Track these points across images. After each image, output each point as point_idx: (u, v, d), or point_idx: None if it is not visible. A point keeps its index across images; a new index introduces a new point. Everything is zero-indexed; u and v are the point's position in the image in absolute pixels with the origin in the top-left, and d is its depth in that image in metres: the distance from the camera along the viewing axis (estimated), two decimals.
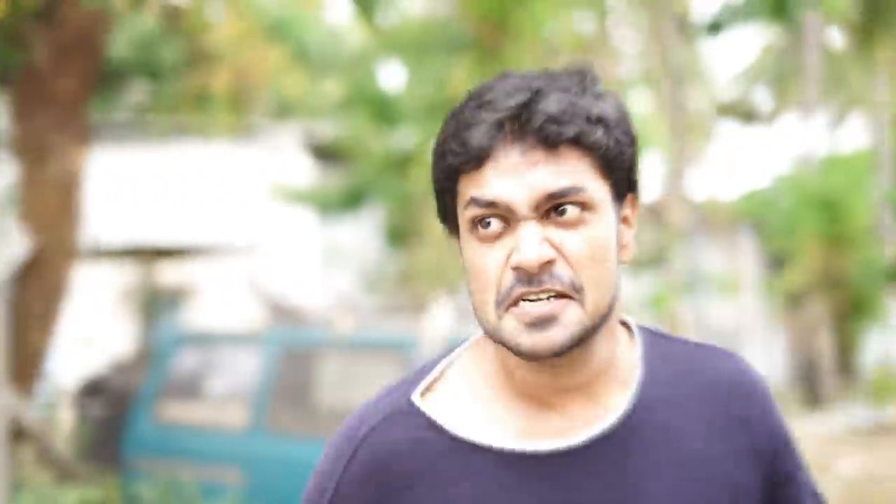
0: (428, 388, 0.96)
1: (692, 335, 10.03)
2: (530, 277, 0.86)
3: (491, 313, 0.89)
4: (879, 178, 14.39)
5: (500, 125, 0.88)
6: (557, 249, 0.87)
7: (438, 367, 0.98)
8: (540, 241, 0.86)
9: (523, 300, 0.87)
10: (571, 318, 0.87)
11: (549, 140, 0.86)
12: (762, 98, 13.93)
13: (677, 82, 11.75)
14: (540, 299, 0.86)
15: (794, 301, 12.27)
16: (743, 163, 40.04)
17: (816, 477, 1.06)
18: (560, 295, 0.87)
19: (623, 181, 0.92)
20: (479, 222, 0.89)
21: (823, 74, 15.46)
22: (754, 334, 11.69)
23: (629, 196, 0.94)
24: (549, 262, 0.87)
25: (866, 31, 14.23)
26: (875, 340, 12.69)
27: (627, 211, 0.94)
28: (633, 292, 9.30)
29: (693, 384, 0.97)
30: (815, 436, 9.23)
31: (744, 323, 11.68)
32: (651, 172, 12.34)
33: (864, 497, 6.70)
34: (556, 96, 0.87)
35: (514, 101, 0.88)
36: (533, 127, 0.87)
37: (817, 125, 14.20)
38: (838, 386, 11.89)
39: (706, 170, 10.76)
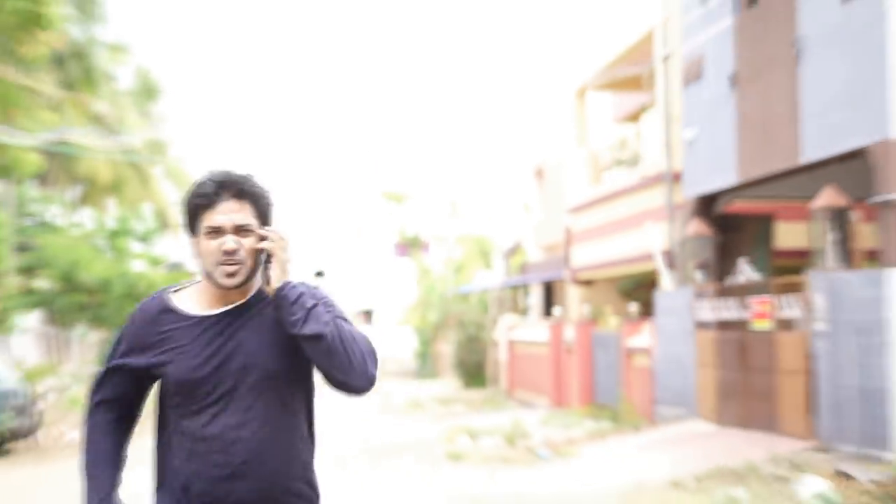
0: (175, 292, 2.89)
1: None
2: (229, 254, 2.72)
3: (211, 268, 2.73)
4: None
5: (218, 190, 2.73)
6: (240, 245, 2.73)
7: (180, 285, 2.91)
8: (235, 241, 2.72)
9: (224, 264, 2.72)
10: (242, 274, 2.75)
11: (240, 196, 2.74)
12: None
13: None
14: (232, 264, 2.73)
15: None
16: None
17: None
18: (238, 263, 2.73)
19: (263, 218, 2.78)
20: (210, 232, 2.72)
21: None
22: None
23: (264, 224, 2.78)
24: (237, 249, 2.72)
25: None
26: None
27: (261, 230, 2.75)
28: None
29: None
30: None
31: None
32: None
33: None
34: (240, 176, 2.77)
35: (223, 177, 2.74)
36: (233, 190, 2.74)
37: None
38: None
39: None
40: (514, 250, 30.20)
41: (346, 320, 2.79)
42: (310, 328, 2.67)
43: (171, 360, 2.75)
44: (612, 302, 20.70)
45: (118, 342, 2.86)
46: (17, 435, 14.64)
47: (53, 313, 26.05)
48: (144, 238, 25.52)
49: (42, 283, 24.65)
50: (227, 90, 79.64)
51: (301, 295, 2.71)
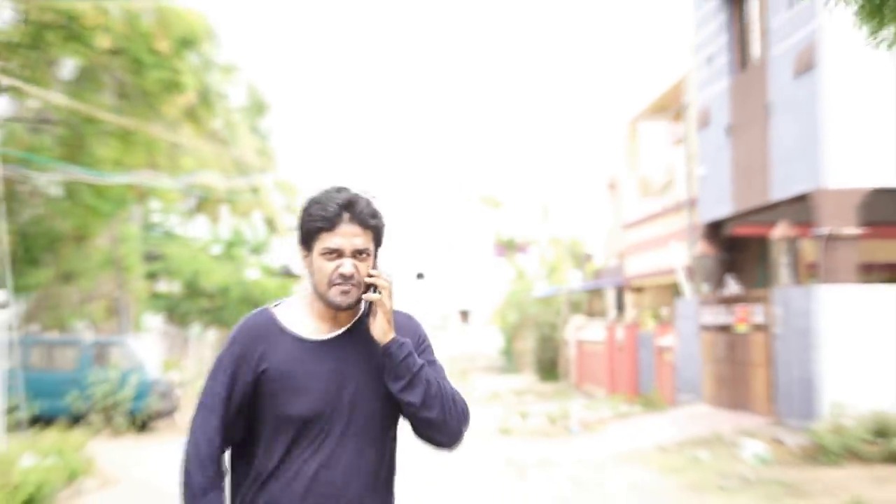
0: (276, 306, 2.97)
1: None
2: (345, 278, 2.82)
3: (325, 287, 2.83)
4: None
5: (340, 211, 2.81)
6: (356, 269, 2.82)
7: (283, 300, 3.01)
8: (352, 265, 2.82)
9: (339, 285, 2.82)
10: (356, 295, 2.84)
11: (361, 223, 2.83)
12: None
13: None
14: (348, 285, 2.82)
15: None
16: None
17: None
18: (354, 285, 2.82)
19: (378, 243, 2.90)
20: (327, 253, 2.81)
21: None
22: None
23: (378, 248, 2.90)
24: (353, 273, 2.82)
25: None
26: None
27: (376, 253, 2.89)
28: None
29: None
30: None
31: None
32: None
33: None
34: (364, 201, 2.85)
35: (347, 200, 2.82)
36: (355, 214, 2.82)
37: None
38: None
39: None
40: (590, 255, 34.01)
41: (443, 370, 2.97)
42: (412, 396, 2.83)
43: (284, 387, 2.84)
44: (668, 305, 24.42)
45: (225, 363, 2.90)
46: (160, 415, 19.25)
47: (174, 315, 30.92)
48: (257, 249, 30.27)
49: (164, 287, 29.58)
50: (327, 101, 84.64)
51: (407, 356, 2.83)
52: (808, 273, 15.42)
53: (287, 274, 34.02)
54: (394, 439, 3.00)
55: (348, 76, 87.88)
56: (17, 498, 10.07)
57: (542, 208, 50.18)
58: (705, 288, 17.64)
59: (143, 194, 22.91)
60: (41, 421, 16.22)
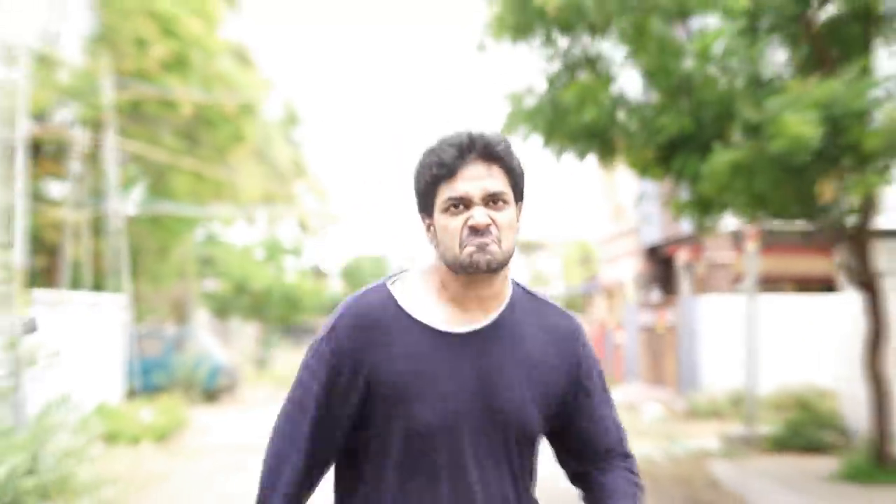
0: (394, 283, 2.26)
1: None
2: (478, 231, 2.14)
3: (455, 250, 2.16)
4: None
5: (461, 151, 2.17)
6: (492, 220, 2.16)
7: (400, 275, 2.29)
8: (485, 214, 2.15)
9: (470, 245, 2.14)
10: (496, 255, 2.16)
11: (491, 158, 2.18)
12: None
13: None
14: (484, 240, 2.13)
15: None
16: None
17: None
18: (493, 241, 2.15)
19: (518, 193, 2.25)
20: (451, 207, 2.17)
21: None
22: None
23: (520, 202, 2.26)
24: (488, 225, 2.16)
25: None
26: None
27: (518, 210, 2.26)
28: None
29: (538, 318, 2.32)
30: None
31: None
32: None
33: None
34: (488, 134, 2.19)
35: (468, 138, 2.18)
36: (479, 150, 2.18)
37: None
38: None
39: None
40: (588, 260, 40.35)
41: (614, 406, 2.59)
42: None
43: (404, 392, 2.19)
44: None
45: (325, 353, 2.23)
46: (225, 390, 25.93)
47: (219, 310, 37.57)
48: (294, 252, 37.02)
49: (210, 287, 36.23)
50: (355, 107, 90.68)
51: None
52: (701, 286, 21.91)
53: (317, 273, 40.78)
54: (535, 456, 2.37)
55: (377, 85, 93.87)
56: (152, 434, 16.65)
57: (559, 213, 56.38)
58: (641, 296, 24.16)
59: (209, 217, 29.70)
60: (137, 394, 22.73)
